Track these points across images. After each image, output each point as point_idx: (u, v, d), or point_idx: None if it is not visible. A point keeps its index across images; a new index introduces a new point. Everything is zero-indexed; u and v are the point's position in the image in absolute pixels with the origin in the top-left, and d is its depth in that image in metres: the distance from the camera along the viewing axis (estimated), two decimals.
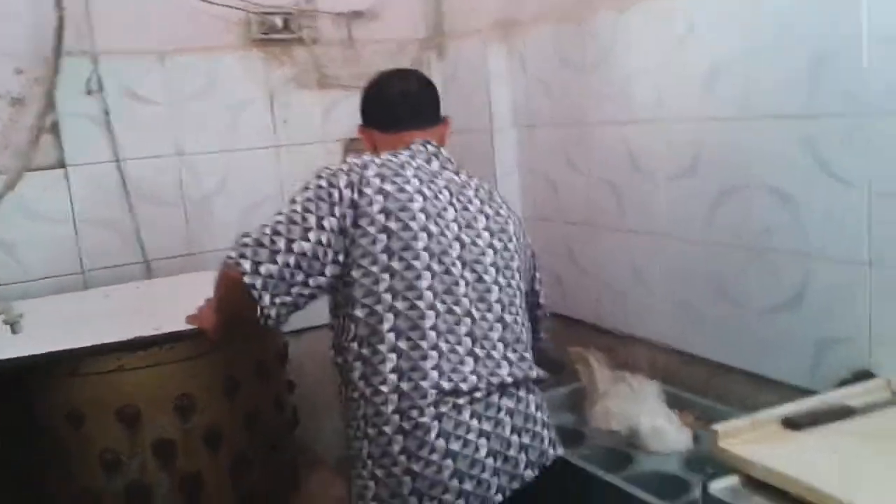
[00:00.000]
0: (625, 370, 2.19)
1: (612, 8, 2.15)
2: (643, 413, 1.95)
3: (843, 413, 1.50)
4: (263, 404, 1.91)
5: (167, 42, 2.36)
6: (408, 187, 1.57)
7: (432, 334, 1.51)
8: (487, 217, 1.67)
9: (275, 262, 1.47)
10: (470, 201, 1.66)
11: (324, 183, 1.55)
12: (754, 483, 1.32)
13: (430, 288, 1.53)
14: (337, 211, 1.52)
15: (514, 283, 1.66)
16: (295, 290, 1.50)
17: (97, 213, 2.32)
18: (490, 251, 1.64)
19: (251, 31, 2.44)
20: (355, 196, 1.53)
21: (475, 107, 2.62)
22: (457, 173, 1.70)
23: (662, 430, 1.91)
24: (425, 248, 1.54)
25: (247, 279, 1.46)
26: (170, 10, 2.34)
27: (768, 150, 1.81)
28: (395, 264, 1.52)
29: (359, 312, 1.52)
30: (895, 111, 1.54)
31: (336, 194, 1.53)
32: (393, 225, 1.53)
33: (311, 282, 1.51)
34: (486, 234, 1.65)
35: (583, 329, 2.46)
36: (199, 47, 2.38)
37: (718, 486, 1.35)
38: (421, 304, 1.51)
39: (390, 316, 1.50)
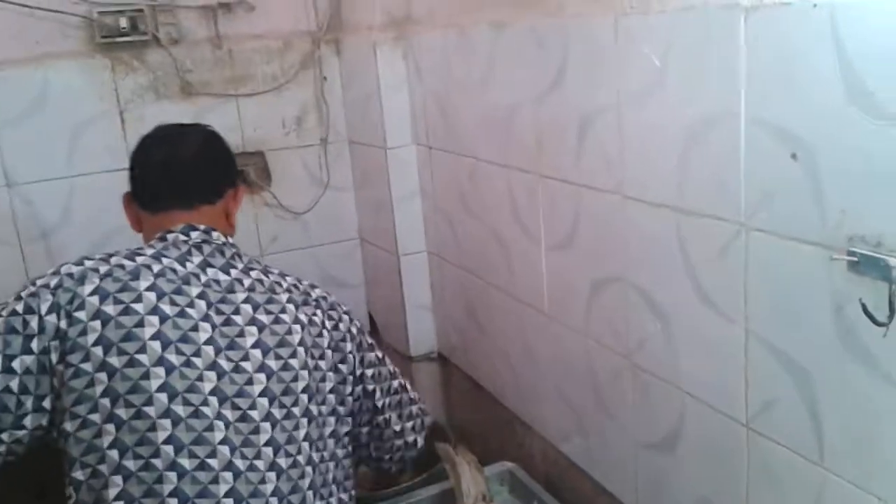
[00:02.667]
0: (511, 463, 1.80)
1: (492, 21, 1.65)
2: None
3: None
4: None
5: None
6: (138, 307, 1.21)
7: (173, 502, 1.15)
8: (261, 328, 1.28)
9: None
10: (237, 310, 1.28)
11: (20, 307, 1.21)
12: None
13: (170, 441, 1.17)
14: (36, 345, 1.19)
15: (296, 410, 1.27)
16: None
17: None
18: (261, 376, 1.25)
19: (94, 35, 2.04)
20: (62, 324, 1.19)
21: (370, 118, 2.17)
22: (230, 267, 1.31)
23: None
24: (162, 388, 1.18)
25: None
26: None
27: (640, 245, 1.34)
28: (121, 412, 1.16)
29: (79, 474, 1.17)
30: (772, 229, 1.06)
31: (34, 323, 1.19)
32: (115, 361, 1.17)
33: (3, 437, 1.18)
34: (255, 354, 1.26)
35: (485, 398, 2.04)
36: (24, 58, 2.00)
37: None
38: (158, 462, 1.16)
39: (118, 479, 1.15)
